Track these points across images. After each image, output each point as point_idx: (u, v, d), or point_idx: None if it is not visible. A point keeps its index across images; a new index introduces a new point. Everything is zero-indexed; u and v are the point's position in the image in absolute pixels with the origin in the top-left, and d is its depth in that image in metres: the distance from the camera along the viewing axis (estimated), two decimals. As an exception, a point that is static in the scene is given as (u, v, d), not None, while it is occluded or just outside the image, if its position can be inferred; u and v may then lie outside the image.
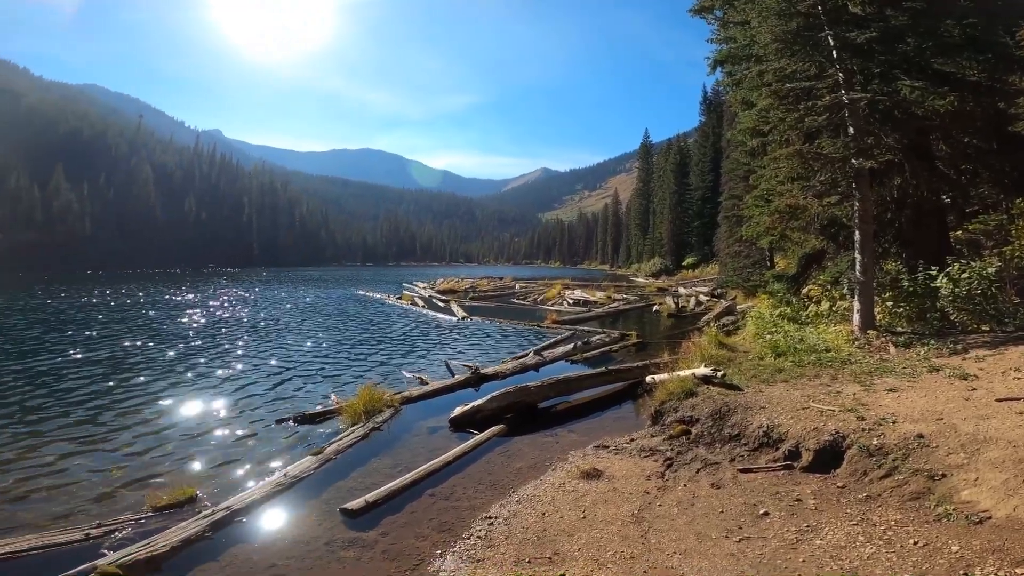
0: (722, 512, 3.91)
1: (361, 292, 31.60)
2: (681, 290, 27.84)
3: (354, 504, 4.26)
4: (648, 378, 7.79)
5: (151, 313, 19.83)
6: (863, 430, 4.50)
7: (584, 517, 3.97)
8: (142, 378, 8.95)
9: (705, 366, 7.10)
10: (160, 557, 3.49)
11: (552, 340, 12.95)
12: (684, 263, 48.51)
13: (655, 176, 64.97)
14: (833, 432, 4.55)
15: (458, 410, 6.72)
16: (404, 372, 9.66)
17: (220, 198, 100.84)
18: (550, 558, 3.42)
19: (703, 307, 20.41)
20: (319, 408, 7.09)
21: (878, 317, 9.24)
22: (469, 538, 3.79)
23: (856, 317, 8.98)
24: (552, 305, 23.15)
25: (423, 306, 22.62)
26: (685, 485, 4.46)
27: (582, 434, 6.29)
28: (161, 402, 7.56)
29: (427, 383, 8.45)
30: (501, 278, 44.93)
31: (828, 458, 4.40)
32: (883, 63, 8.62)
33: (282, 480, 4.73)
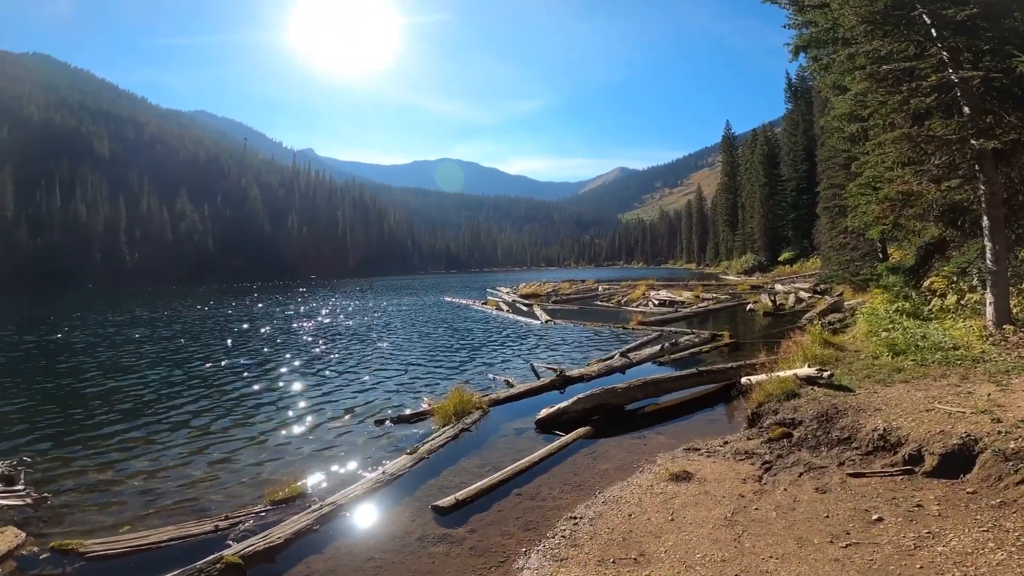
0: (827, 517, 3.70)
1: (448, 298, 32.79)
2: (778, 287, 26.10)
3: (444, 502, 4.45)
4: (743, 379, 7.45)
5: (273, 323, 21.97)
6: (999, 433, 4.07)
7: (672, 519, 3.90)
8: (261, 384, 9.93)
9: (809, 366, 6.69)
10: (275, 548, 3.83)
11: (638, 342, 12.71)
12: (780, 258, 45.41)
13: (741, 169, 61.71)
14: (963, 435, 4.15)
15: (544, 412, 6.80)
16: (491, 375, 9.95)
17: (317, 213, 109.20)
18: (635, 559, 3.39)
19: (804, 304, 19.05)
20: (413, 410, 7.45)
21: (1015, 310, 8.15)
22: (553, 537, 3.82)
23: (989, 311, 8.00)
24: (637, 306, 22.68)
25: (507, 310, 23.06)
26: (785, 489, 4.25)
27: (671, 436, 6.17)
28: (278, 405, 8.33)
29: (513, 386, 8.63)
30: (583, 280, 44.58)
31: (956, 463, 4.03)
32: (992, 39, 7.67)
33: (381, 477, 5.02)
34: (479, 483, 4.81)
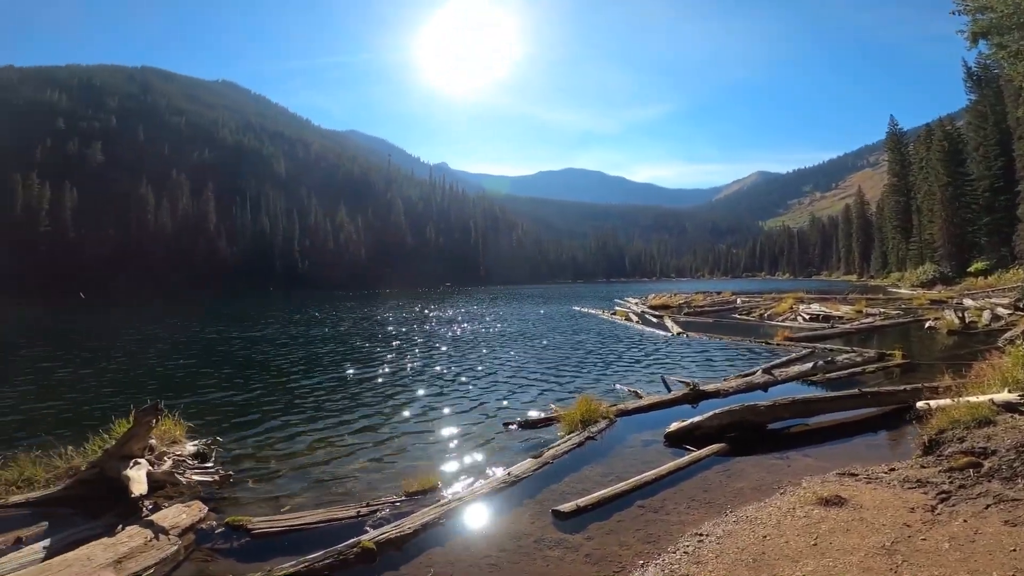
0: (1014, 551, 3.17)
1: (577, 308, 32.91)
2: (968, 302, 22.06)
3: (565, 507, 4.45)
4: (919, 403, 6.54)
5: (421, 327, 24.26)
6: None
7: (815, 545, 3.54)
8: (408, 385, 10.79)
9: (1009, 391, 5.72)
10: (404, 538, 4.05)
11: (784, 358, 11.64)
12: (969, 269, 38.28)
13: (914, 168, 53.35)
14: None
15: (674, 425, 6.55)
16: (619, 385, 9.79)
17: (451, 224, 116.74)
18: (765, 582, 3.15)
19: (1003, 323, 15.92)
20: (540, 415, 7.60)
21: None
22: (675, 552, 3.67)
23: None
24: (783, 321, 20.74)
25: (636, 321, 22.55)
26: (965, 521, 3.68)
27: (821, 459, 5.59)
28: (419, 404, 8.99)
29: (642, 397, 8.43)
30: (719, 292, 41.84)
31: None
32: None
33: (505, 478, 5.16)
34: (601, 491, 4.76)
